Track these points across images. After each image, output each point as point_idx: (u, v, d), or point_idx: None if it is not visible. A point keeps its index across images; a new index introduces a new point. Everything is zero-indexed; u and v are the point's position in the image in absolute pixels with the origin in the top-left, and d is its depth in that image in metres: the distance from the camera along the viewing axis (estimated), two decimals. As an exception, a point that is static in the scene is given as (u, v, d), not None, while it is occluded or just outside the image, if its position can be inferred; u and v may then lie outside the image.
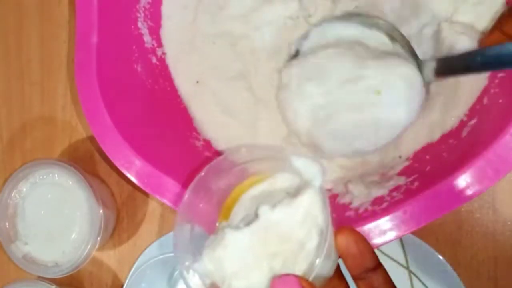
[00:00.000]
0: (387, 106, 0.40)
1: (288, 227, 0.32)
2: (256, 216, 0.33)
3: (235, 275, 0.32)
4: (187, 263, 0.34)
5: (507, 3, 0.43)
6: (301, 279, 0.31)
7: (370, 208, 0.39)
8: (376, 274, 0.33)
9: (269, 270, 0.32)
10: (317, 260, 0.31)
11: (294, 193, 0.34)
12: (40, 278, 0.50)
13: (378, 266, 0.34)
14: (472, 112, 0.43)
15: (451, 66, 0.39)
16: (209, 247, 0.33)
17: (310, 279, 0.31)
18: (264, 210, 0.33)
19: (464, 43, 0.43)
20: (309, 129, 0.42)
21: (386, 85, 0.40)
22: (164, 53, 0.49)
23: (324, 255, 0.31)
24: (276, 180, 0.36)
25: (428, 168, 0.41)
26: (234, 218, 0.36)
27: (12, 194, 0.50)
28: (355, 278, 0.34)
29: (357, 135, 0.41)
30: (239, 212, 0.36)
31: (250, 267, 0.32)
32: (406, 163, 0.44)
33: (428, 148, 0.44)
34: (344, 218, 0.39)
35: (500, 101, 0.40)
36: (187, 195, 0.35)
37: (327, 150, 0.43)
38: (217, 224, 0.36)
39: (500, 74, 0.42)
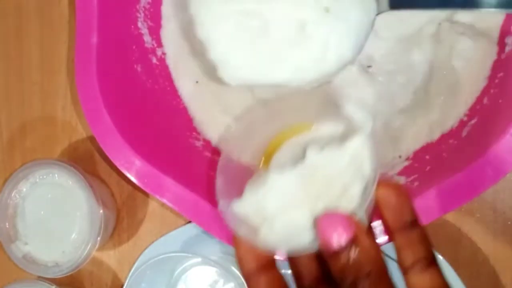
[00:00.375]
0: (336, 26, 0.37)
1: (334, 170, 0.31)
2: (302, 157, 0.32)
3: (277, 216, 0.31)
4: (224, 205, 0.33)
5: (507, 3, 0.43)
6: (348, 216, 0.30)
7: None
8: (413, 229, 0.32)
9: (311, 212, 0.31)
10: (363, 206, 0.30)
11: (341, 138, 0.32)
12: (40, 278, 0.50)
13: (416, 222, 0.33)
14: (472, 112, 0.43)
15: None
16: (250, 189, 0.32)
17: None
18: (312, 151, 0.31)
19: (464, 43, 0.44)
20: None
21: (337, 2, 0.37)
22: (164, 53, 0.49)
23: (369, 202, 0.30)
24: (321, 127, 0.34)
25: (428, 168, 0.41)
26: (276, 163, 0.34)
27: (12, 194, 0.50)
28: (392, 231, 0.33)
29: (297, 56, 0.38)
30: (281, 157, 0.34)
31: (293, 208, 0.31)
32: (406, 163, 0.44)
33: (428, 148, 0.44)
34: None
35: (500, 101, 0.40)
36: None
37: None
38: (259, 168, 0.35)
39: (500, 74, 0.42)
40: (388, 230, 0.33)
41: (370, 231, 0.32)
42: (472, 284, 0.48)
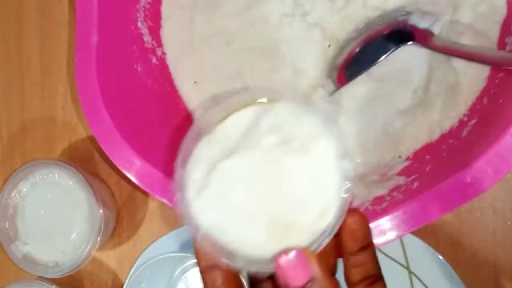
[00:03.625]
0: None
1: (296, 179, 0.31)
2: (257, 145, 0.31)
3: (221, 224, 0.31)
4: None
5: (508, 3, 0.43)
6: (306, 258, 0.30)
7: (370, 207, 0.39)
8: (365, 250, 0.33)
9: (267, 224, 0.30)
10: (326, 239, 0.30)
11: (305, 138, 0.31)
12: (40, 278, 0.50)
13: (370, 244, 0.34)
14: (472, 112, 0.43)
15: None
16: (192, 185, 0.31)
17: (317, 251, 0.30)
18: (274, 142, 0.31)
19: (464, 43, 0.44)
20: None
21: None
22: (164, 53, 0.49)
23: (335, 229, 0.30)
24: (277, 109, 0.32)
25: (428, 168, 0.41)
26: (224, 129, 0.33)
27: (12, 194, 0.50)
28: (347, 253, 0.34)
29: None
30: (227, 129, 0.32)
31: (244, 214, 0.31)
32: (406, 163, 0.44)
33: (428, 148, 0.44)
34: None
35: (500, 101, 0.40)
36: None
37: None
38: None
39: (500, 74, 0.42)
40: (340, 250, 0.33)
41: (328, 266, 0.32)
42: (472, 284, 0.48)
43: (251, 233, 0.31)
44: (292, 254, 0.30)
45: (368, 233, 0.33)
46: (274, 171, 0.31)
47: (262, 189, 0.31)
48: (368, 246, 0.33)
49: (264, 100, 0.33)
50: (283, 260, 0.30)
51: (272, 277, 0.33)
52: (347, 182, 0.31)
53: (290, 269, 0.30)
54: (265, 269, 0.31)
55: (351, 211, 0.33)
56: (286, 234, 0.31)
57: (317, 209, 0.31)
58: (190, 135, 0.33)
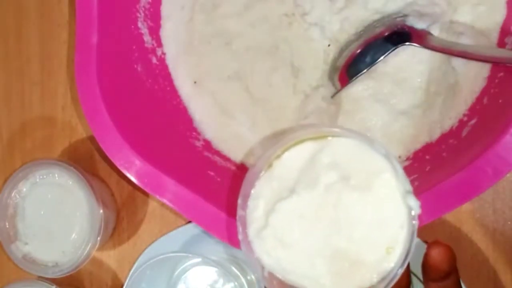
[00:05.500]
0: None
1: (358, 216, 0.30)
2: (317, 183, 0.30)
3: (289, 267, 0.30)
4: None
5: (508, 3, 0.43)
6: None
7: (370, 208, 0.39)
8: (449, 277, 0.33)
9: (330, 264, 0.30)
10: (398, 271, 0.29)
11: (367, 174, 0.31)
12: (40, 278, 0.50)
13: (453, 271, 0.33)
14: (472, 112, 0.43)
15: None
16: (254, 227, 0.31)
17: None
18: (333, 179, 0.30)
19: (464, 43, 0.43)
20: None
21: None
22: (164, 53, 0.49)
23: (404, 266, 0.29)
24: (334, 145, 0.32)
25: (428, 168, 0.41)
26: (281, 169, 0.32)
27: (12, 194, 0.50)
28: (429, 281, 0.33)
29: None
30: (285, 166, 0.32)
31: (306, 255, 0.30)
32: (406, 163, 0.44)
33: (428, 148, 0.44)
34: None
35: (500, 101, 0.40)
36: None
37: None
38: (262, 173, 0.32)
39: (500, 74, 0.42)
40: (424, 277, 0.33)
41: None
42: (472, 284, 0.48)
43: (315, 273, 0.31)
44: None
45: (452, 262, 0.32)
46: (335, 209, 0.30)
47: (323, 228, 0.31)
48: (451, 272, 0.33)
49: (320, 135, 0.32)
50: None
51: None
52: (414, 221, 0.30)
53: None
54: None
55: (434, 243, 0.32)
56: (352, 273, 0.30)
57: (383, 247, 0.30)
58: (249, 174, 0.33)
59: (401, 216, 0.30)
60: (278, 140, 0.32)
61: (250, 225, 0.32)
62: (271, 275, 0.31)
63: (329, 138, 0.32)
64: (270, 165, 0.32)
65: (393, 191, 0.30)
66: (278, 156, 0.32)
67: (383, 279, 0.30)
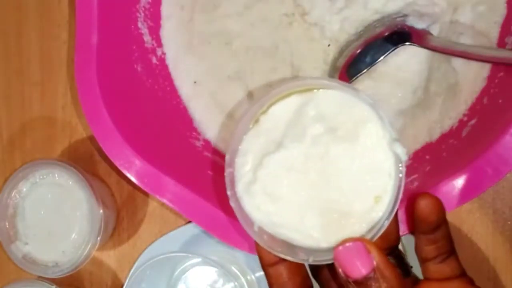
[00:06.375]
0: None
1: (346, 167, 0.30)
2: (304, 135, 0.30)
3: (280, 219, 0.30)
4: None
5: (508, 3, 0.43)
6: (367, 248, 0.29)
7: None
8: (439, 229, 0.33)
9: (320, 215, 0.30)
10: (386, 221, 0.29)
11: (354, 123, 0.30)
12: (40, 278, 0.50)
13: (443, 223, 0.33)
14: (472, 112, 0.43)
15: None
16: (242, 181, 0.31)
17: (375, 239, 0.29)
18: (320, 131, 0.30)
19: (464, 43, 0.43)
20: None
21: None
22: (164, 53, 0.49)
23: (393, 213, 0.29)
24: (319, 97, 0.32)
25: (428, 168, 0.41)
26: (267, 123, 0.32)
27: (12, 194, 0.50)
28: (419, 233, 0.33)
29: None
30: (271, 120, 0.32)
31: (296, 207, 0.30)
32: (406, 163, 0.44)
33: (428, 148, 0.44)
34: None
35: (500, 101, 0.40)
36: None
37: None
38: (249, 128, 0.32)
39: (500, 74, 0.42)
40: (412, 227, 0.33)
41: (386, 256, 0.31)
42: (472, 284, 0.48)
43: (305, 225, 0.31)
44: (350, 245, 0.29)
45: (441, 214, 0.33)
46: (323, 160, 0.31)
47: (312, 180, 0.31)
48: (441, 225, 0.33)
49: (306, 88, 0.32)
50: (342, 252, 0.29)
51: (330, 265, 0.32)
52: (401, 166, 0.30)
53: (350, 260, 0.29)
54: (323, 261, 0.30)
55: (423, 194, 0.32)
56: (341, 224, 0.30)
57: (371, 196, 0.30)
58: (236, 130, 0.33)
59: (388, 165, 0.30)
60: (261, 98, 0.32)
61: (238, 181, 0.32)
62: (261, 230, 0.31)
63: (315, 90, 0.32)
64: (257, 120, 0.32)
65: (380, 140, 0.30)
66: (265, 111, 0.32)
67: (372, 228, 0.30)
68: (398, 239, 0.34)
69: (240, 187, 0.32)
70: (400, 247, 0.49)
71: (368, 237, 0.30)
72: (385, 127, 0.30)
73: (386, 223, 0.30)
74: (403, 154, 0.30)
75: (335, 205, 0.30)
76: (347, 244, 0.29)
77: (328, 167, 0.31)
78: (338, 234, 0.30)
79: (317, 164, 0.31)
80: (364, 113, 0.31)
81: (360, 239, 0.29)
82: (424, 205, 0.32)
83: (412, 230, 0.34)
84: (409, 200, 0.37)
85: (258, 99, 0.32)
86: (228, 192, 0.32)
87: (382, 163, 0.30)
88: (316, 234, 0.31)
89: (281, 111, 0.32)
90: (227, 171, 0.32)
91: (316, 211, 0.31)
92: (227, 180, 0.32)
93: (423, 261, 0.34)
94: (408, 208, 0.36)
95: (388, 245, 0.33)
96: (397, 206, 0.30)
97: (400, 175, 0.30)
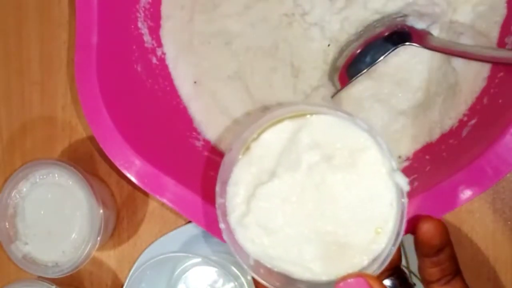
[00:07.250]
0: None
1: (344, 197, 0.28)
2: (299, 164, 0.29)
3: (277, 251, 0.29)
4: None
5: (508, 3, 0.43)
6: (372, 280, 0.28)
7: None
8: (443, 251, 0.32)
9: (318, 248, 0.29)
10: (391, 249, 0.28)
11: (350, 151, 0.29)
12: (40, 278, 0.50)
13: (447, 244, 0.33)
14: (472, 112, 0.43)
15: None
16: (234, 213, 0.30)
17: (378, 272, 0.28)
18: (316, 159, 0.29)
19: (464, 43, 0.43)
20: None
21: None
22: (164, 53, 0.49)
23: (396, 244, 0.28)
24: (318, 120, 0.30)
25: (428, 168, 0.41)
26: (257, 153, 0.31)
27: (12, 194, 0.50)
28: (423, 256, 0.33)
29: None
30: (263, 148, 0.30)
31: (292, 240, 0.29)
32: (406, 163, 0.44)
33: (428, 148, 0.44)
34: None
35: (500, 101, 0.40)
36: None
37: None
38: (240, 157, 0.31)
39: (500, 74, 0.42)
40: (417, 253, 0.32)
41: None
42: (472, 284, 0.48)
43: (303, 258, 0.29)
44: (351, 281, 0.28)
45: (444, 236, 0.32)
46: (319, 190, 0.29)
47: (308, 211, 0.29)
48: (444, 247, 0.32)
49: (298, 113, 0.30)
50: (343, 287, 0.28)
51: None
52: (403, 199, 0.29)
53: None
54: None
55: (424, 218, 0.31)
56: (341, 256, 0.29)
57: (372, 228, 0.29)
58: (226, 159, 0.31)
59: (389, 194, 0.29)
60: (251, 125, 0.31)
61: (231, 213, 0.31)
62: (258, 263, 0.30)
63: (308, 116, 0.30)
64: (247, 148, 0.31)
65: (379, 168, 0.29)
66: (255, 138, 0.31)
67: (373, 260, 0.29)
68: (399, 258, 0.33)
69: (232, 220, 0.31)
70: (400, 250, 0.49)
71: (371, 270, 0.29)
72: (384, 154, 0.29)
73: (389, 258, 0.29)
74: (405, 185, 0.29)
75: (333, 236, 0.29)
76: (349, 280, 0.28)
77: (325, 197, 0.29)
78: (338, 267, 0.29)
79: (313, 194, 0.29)
80: (361, 140, 0.29)
81: (362, 275, 0.29)
82: (426, 229, 0.32)
83: (414, 243, 0.33)
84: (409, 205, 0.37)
85: (248, 125, 0.31)
86: (221, 225, 0.31)
87: (382, 192, 0.29)
88: (315, 267, 0.29)
89: (273, 138, 0.30)
90: (218, 202, 0.31)
91: (313, 243, 0.29)
92: (218, 212, 0.31)
93: (427, 283, 0.33)
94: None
95: (390, 266, 0.32)
96: (400, 238, 0.29)
97: (402, 205, 0.29)
